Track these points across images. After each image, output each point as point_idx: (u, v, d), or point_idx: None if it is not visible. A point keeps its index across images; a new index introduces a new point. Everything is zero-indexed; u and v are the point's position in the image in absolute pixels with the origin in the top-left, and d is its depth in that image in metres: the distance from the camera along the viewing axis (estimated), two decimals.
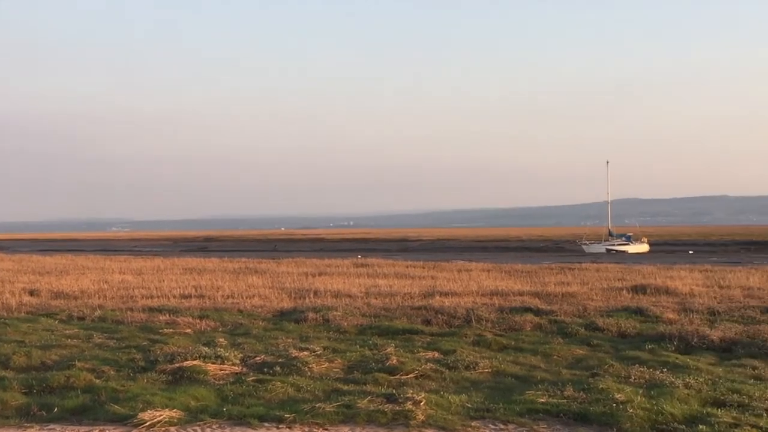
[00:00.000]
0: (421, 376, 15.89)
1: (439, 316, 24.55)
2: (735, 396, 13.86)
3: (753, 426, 11.82)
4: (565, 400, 13.49)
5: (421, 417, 12.24)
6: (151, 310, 26.73)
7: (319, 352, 18.03)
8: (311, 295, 31.43)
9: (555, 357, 18.79)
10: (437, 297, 30.71)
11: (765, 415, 12.58)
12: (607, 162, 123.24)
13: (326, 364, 16.76)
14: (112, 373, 16.11)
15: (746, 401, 13.49)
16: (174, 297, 31.29)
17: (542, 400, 13.50)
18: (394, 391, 13.81)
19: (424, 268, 52.05)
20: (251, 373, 15.77)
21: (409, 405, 12.69)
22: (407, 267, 52.83)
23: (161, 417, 12.34)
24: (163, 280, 39.36)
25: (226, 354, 17.15)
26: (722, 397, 13.75)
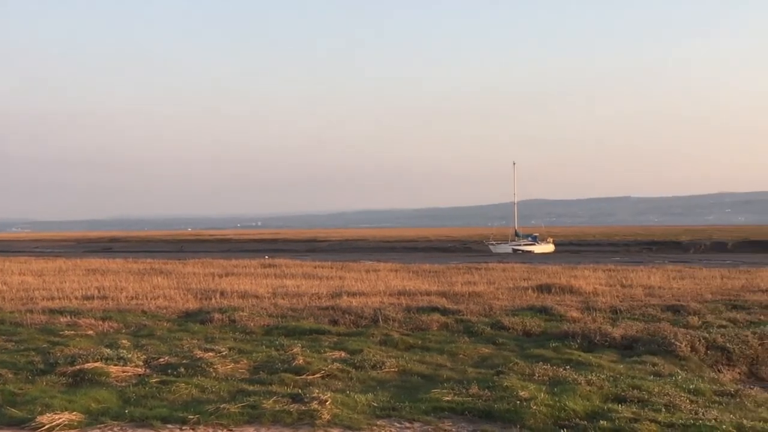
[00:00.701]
0: (328, 375, 15.84)
1: (347, 316, 24.51)
2: (635, 392, 14.16)
3: (652, 421, 12.07)
4: (470, 398, 13.60)
5: (326, 416, 12.20)
6: (52, 311, 26.09)
7: (224, 353, 17.84)
8: (217, 296, 31.08)
9: (461, 356, 18.93)
10: (345, 297, 30.66)
11: (664, 410, 12.87)
12: (514, 163, 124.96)
13: (232, 365, 16.60)
14: (9, 376, 15.69)
15: (646, 397, 13.78)
16: (76, 298, 30.61)
17: (448, 398, 13.58)
18: (300, 391, 13.74)
19: (332, 268, 51.97)
20: (155, 375, 15.52)
21: (314, 405, 12.64)
22: (315, 267, 52.70)
23: (60, 420, 12.05)
24: (65, 282, 38.51)
25: (129, 355, 16.85)
26: (623, 393, 14.03)
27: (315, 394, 13.20)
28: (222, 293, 32.10)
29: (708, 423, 11.89)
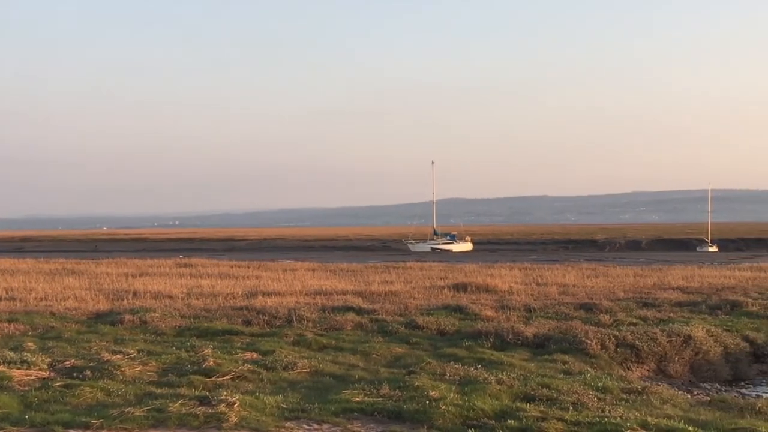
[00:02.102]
0: (239, 377, 15.64)
1: (261, 316, 24.28)
2: (544, 390, 14.26)
3: (559, 419, 12.15)
4: (380, 399, 13.55)
5: (234, 419, 12.01)
6: None
7: (133, 355, 17.47)
8: (130, 297, 30.53)
9: (374, 356, 18.88)
10: (260, 297, 30.40)
11: (571, 408, 12.98)
12: (433, 162, 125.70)
13: (140, 368, 16.27)
14: None
15: (555, 395, 13.90)
16: None
17: (358, 399, 13.51)
18: (208, 393, 13.50)
19: (249, 267, 51.52)
20: (59, 378, 15.13)
21: (222, 407, 12.44)
22: (232, 267, 52.20)
23: None
24: None
25: (34, 359, 16.42)
26: (532, 392, 14.13)
27: (223, 397, 12.99)
28: (135, 294, 31.57)
29: (613, 421, 12.02)
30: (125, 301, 29.03)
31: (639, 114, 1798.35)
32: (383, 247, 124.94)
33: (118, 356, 17.14)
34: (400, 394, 13.82)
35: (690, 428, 11.85)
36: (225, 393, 13.39)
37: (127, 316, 24.08)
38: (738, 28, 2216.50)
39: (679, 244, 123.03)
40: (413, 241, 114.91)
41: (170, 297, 30.71)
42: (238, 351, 18.53)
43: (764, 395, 19.26)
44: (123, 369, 15.86)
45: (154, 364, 16.66)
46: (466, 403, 12.91)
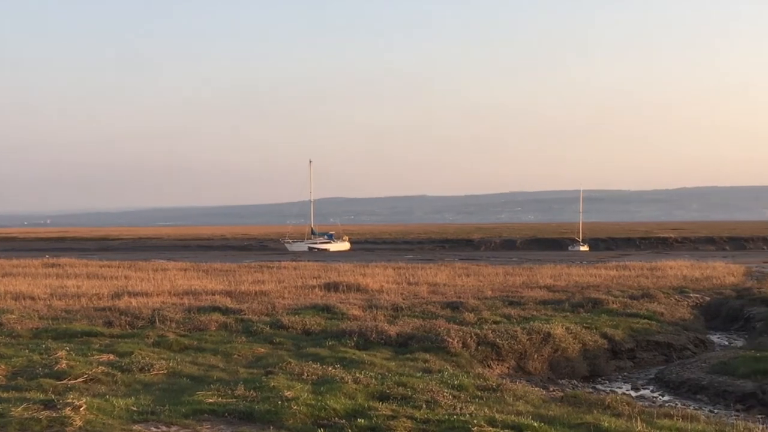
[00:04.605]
0: (91, 380, 15.26)
1: (123, 317, 23.79)
2: (400, 389, 14.34)
3: (409, 417, 12.23)
4: (234, 400, 13.40)
5: (78, 423, 11.68)
6: None
7: None
8: None
9: (236, 356, 18.72)
10: (126, 297, 29.86)
11: (424, 406, 13.08)
12: (310, 161, 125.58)
13: None
14: None
15: (410, 394, 13.99)
16: None
17: (211, 400, 13.33)
18: (54, 397, 13.11)
19: (119, 267, 50.57)
20: None
21: (67, 411, 12.08)
22: (101, 267, 51.15)
23: None
24: None
25: None
26: (388, 391, 14.19)
27: (69, 400, 12.61)
28: None
29: (462, 418, 12.16)
30: None
31: (517, 115, 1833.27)
32: (261, 246, 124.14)
33: None
34: (254, 394, 13.70)
35: (536, 424, 12.07)
36: (72, 396, 13.00)
37: None
38: (606, 29, 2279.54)
39: (552, 244, 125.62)
40: (290, 241, 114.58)
41: (32, 298, 29.90)
42: (94, 353, 18.11)
43: (618, 390, 19.86)
44: None
45: (3, 367, 16.11)
46: (319, 403, 12.89)
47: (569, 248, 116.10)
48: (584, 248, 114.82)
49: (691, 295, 36.36)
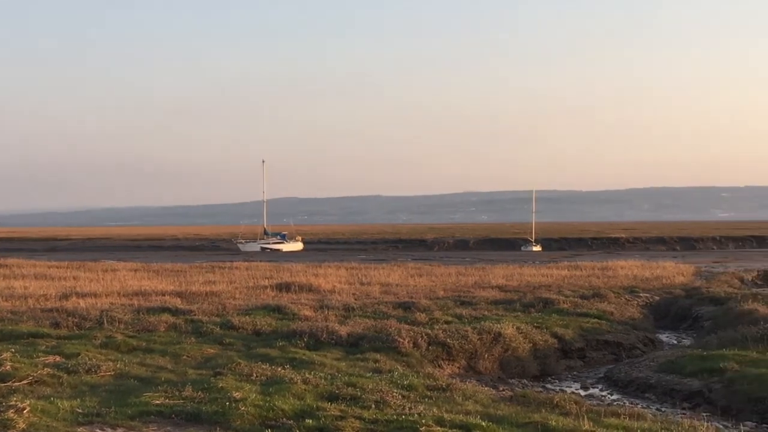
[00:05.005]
0: (36, 381, 15.00)
1: (70, 318, 23.42)
2: (350, 389, 14.30)
3: (357, 418, 12.21)
4: (181, 401, 13.28)
5: (21, 425, 11.49)
6: None
7: None
8: None
9: (185, 357, 18.55)
10: (74, 298, 29.46)
11: (373, 406, 13.06)
12: (263, 161, 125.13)
13: None
14: None
15: (359, 394, 13.95)
16: None
17: (158, 401, 13.20)
18: None
19: (68, 268, 49.96)
20: None
21: (10, 413, 11.88)
22: (50, 267, 50.50)
23: None
24: None
25: None
26: (337, 391, 14.14)
27: (12, 402, 12.41)
28: None
29: (411, 418, 12.16)
30: None
31: (470, 115, 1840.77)
32: (213, 247, 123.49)
33: None
34: (202, 395, 13.59)
35: (484, 423, 12.10)
36: (16, 398, 12.80)
37: None
38: (558, 29, 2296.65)
39: (505, 244, 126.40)
40: (243, 241, 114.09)
41: None
42: (40, 354, 17.81)
43: (567, 390, 19.98)
44: None
45: None
46: (267, 404, 12.82)
47: (522, 248, 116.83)
48: (537, 248, 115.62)
49: (641, 294, 36.73)
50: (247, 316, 24.35)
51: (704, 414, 16.53)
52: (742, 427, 15.54)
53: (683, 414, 16.75)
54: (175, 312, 25.41)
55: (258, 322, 23.25)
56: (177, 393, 13.83)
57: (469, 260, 73.70)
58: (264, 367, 16.32)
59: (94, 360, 17.05)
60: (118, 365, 16.77)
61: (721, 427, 14.96)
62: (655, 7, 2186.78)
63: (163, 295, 31.44)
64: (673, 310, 34.83)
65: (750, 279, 48.99)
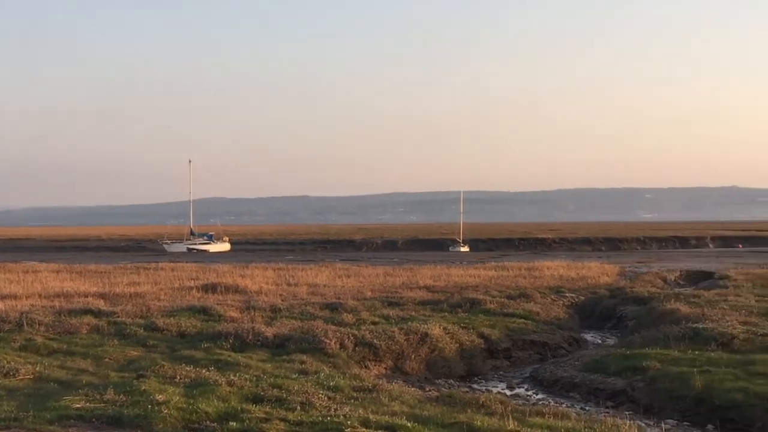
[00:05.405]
0: None
1: None
2: (275, 391, 14.17)
3: (282, 420, 12.09)
4: (103, 404, 13.01)
5: None
6: None
7: None
8: None
9: (107, 360, 18.24)
10: None
11: (299, 408, 12.94)
12: (190, 161, 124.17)
13: None
14: None
15: (285, 396, 13.83)
16: None
17: (78, 405, 12.92)
18: None
19: None
20: None
21: None
22: None
23: None
24: None
25: None
26: (262, 393, 14.00)
27: None
28: None
29: (336, 419, 12.07)
30: None
31: (397, 116, 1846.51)
32: (138, 247, 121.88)
33: None
34: (124, 398, 13.34)
35: (409, 424, 12.07)
36: None
37: None
38: (488, 33, 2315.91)
39: (433, 244, 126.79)
40: (169, 242, 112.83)
41: None
42: None
43: (493, 389, 20.06)
44: None
45: None
46: (191, 407, 12.63)
47: (450, 249, 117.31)
48: (464, 249, 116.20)
49: (567, 294, 37.08)
50: (171, 318, 24.05)
51: (627, 412, 16.69)
52: (663, 425, 15.73)
53: (607, 413, 16.89)
54: (97, 314, 24.99)
55: (183, 324, 22.97)
56: (98, 396, 13.55)
57: (397, 261, 73.70)
58: (188, 369, 16.09)
59: (12, 363, 16.67)
60: (37, 368, 16.42)
61: (643, 425, 15.10)
62: (586, 7, 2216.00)
63: (86, 296, 30.85)
64: (597, 310, 35.24)
65: (673, 279, 49.75)
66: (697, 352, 20.62)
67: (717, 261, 67.84)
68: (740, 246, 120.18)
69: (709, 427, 16.44)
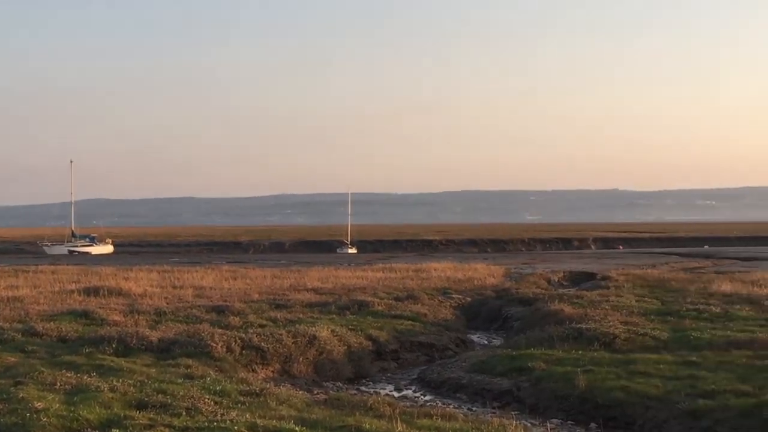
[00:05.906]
0: None
1: None
2: (160, 396, 13.88)
3: (167, 426, 11.86)
4: None
5: None
6: None
7: None
8: None
9: None
10: None
11: (184, 413, 12.70)
12: (71, 161, 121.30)
13: None
14: None
15: (169, 401, 13.56)
16: None
17: None
18: None
19: None
20: None
21: None
22: None
23: None
24: None
25: None
26: (147, 399, 13.70)
27: None
28: None
29: (223, 425, 11.90)
30: None
31: (286, 117, 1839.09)
32: (17, 250, 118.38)
33: None
34: (1, 407, 12.90)
35: (297, 428, 11.97)
36: None
37: None
38: (373, 33, 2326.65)
39: (321, 246, 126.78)
40: (49, 244, 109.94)
41: None
42: None
43: (382, 392, 20.06)
44: None
45: None
46: (71, 414, 12.27)
47: (338, 250, 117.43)
48: (352, 250, 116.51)
49: (454, 296, 37.38)
50: (51, 322, 23.35)
51: (513, 412, 16.88)
52: (548, 425, 15.96)
53: (493, 413, 17.07)
54: None
55: (63, 328, 22.32)
56: None
57: (285, 263, 73.32)
58: (69, 375, 15.64)
59: None
60: None
61: (528, 425, 15.31)
62: (464, 10, 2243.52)
63: None
64: (484, 311, 35.63)
65: (557, 280, 50.65)
66: (580, 352, 21.04)
67: (599, 262, 69.46)
68: (620, 247, 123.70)
69: (593, 425, 16.76)
